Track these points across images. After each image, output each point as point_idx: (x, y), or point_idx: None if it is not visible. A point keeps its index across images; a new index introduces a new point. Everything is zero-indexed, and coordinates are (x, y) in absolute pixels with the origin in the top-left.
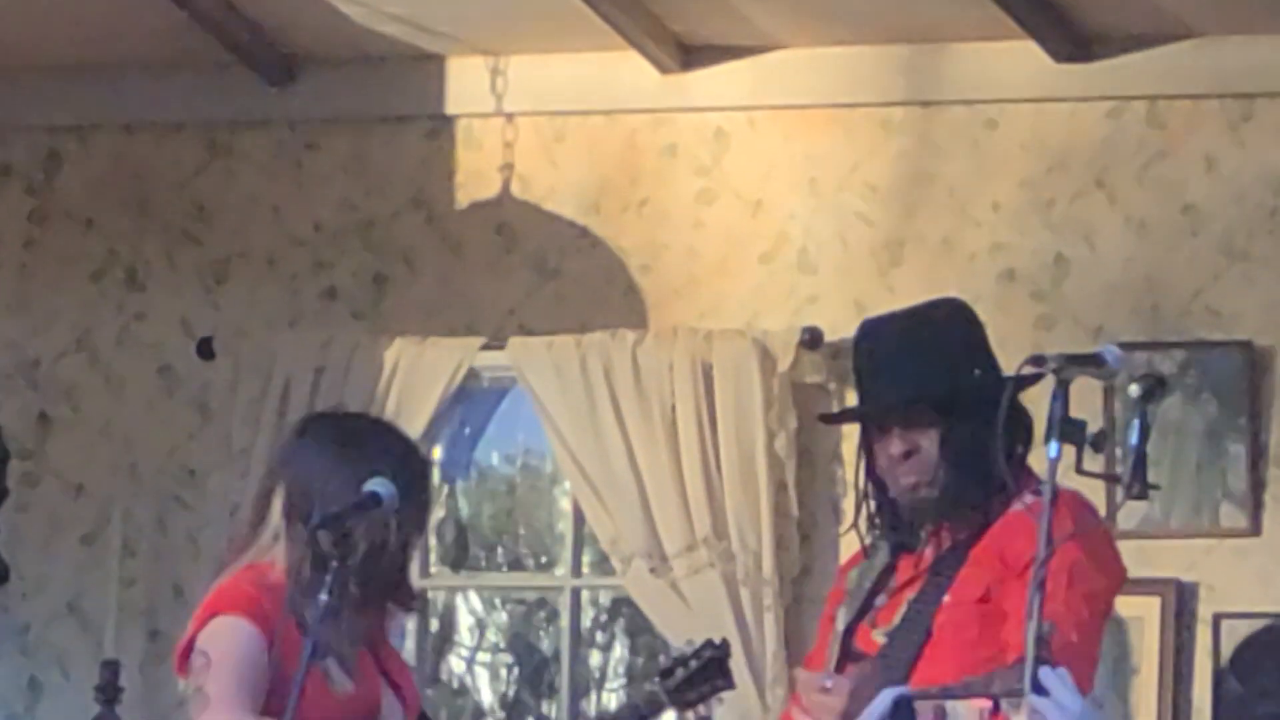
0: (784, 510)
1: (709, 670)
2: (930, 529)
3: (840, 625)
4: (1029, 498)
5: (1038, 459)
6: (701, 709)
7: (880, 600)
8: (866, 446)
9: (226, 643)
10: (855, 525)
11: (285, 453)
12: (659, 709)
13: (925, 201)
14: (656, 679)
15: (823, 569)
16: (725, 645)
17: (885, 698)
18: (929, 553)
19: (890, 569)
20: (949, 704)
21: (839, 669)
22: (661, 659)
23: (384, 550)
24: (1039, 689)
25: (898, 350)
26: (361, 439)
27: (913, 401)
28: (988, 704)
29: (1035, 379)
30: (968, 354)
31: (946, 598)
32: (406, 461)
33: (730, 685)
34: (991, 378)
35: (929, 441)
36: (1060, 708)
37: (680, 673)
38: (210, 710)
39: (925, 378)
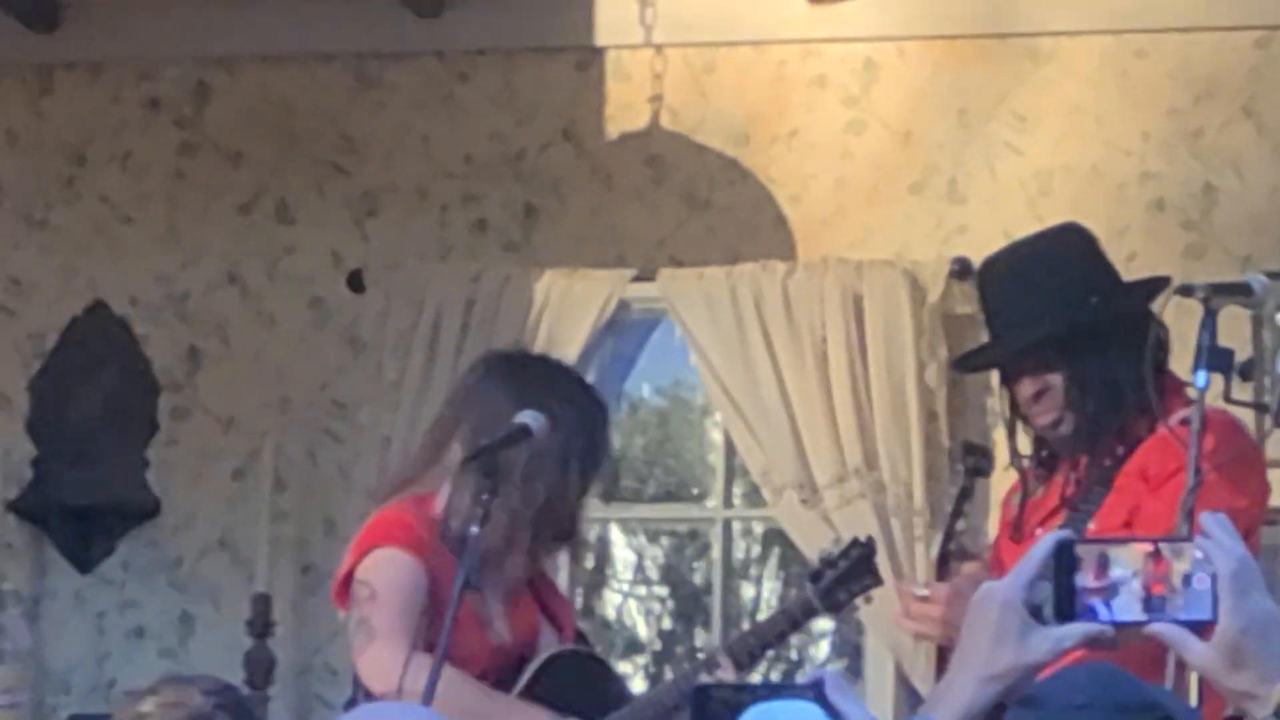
0: (935, 441)
1: (857, 569)
2: (1069, 460)
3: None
4: (1180, 413)
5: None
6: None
7: (961, 525)
8: (1006, 384)
9: (389, 575)
10: (1013, 459)
11: (464, 391)
12: (812, 613)
13: (1073, 131)
14: (806, 583)
15: (974, 499)
16: (871, 543)
17: (1047, 541)
18: (1070, 485)
19: (965, 493)
20: (1111, 550)
21: None
22: (814, 563)
23: (539, 484)
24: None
25: (1011, 290)
26: (542, 380)
27: (1030, 346)
28: (1149, 548)
29: (1158, 290)
30: (1081, 283)
31: (1091, 524)
32: (584, 405)
33: (879, 582)
34: (1109, 300)
35: (1057, 380)
36: (1223, 549)
37: (829, 574)
38: (376, 643)
39: (1038, 318)
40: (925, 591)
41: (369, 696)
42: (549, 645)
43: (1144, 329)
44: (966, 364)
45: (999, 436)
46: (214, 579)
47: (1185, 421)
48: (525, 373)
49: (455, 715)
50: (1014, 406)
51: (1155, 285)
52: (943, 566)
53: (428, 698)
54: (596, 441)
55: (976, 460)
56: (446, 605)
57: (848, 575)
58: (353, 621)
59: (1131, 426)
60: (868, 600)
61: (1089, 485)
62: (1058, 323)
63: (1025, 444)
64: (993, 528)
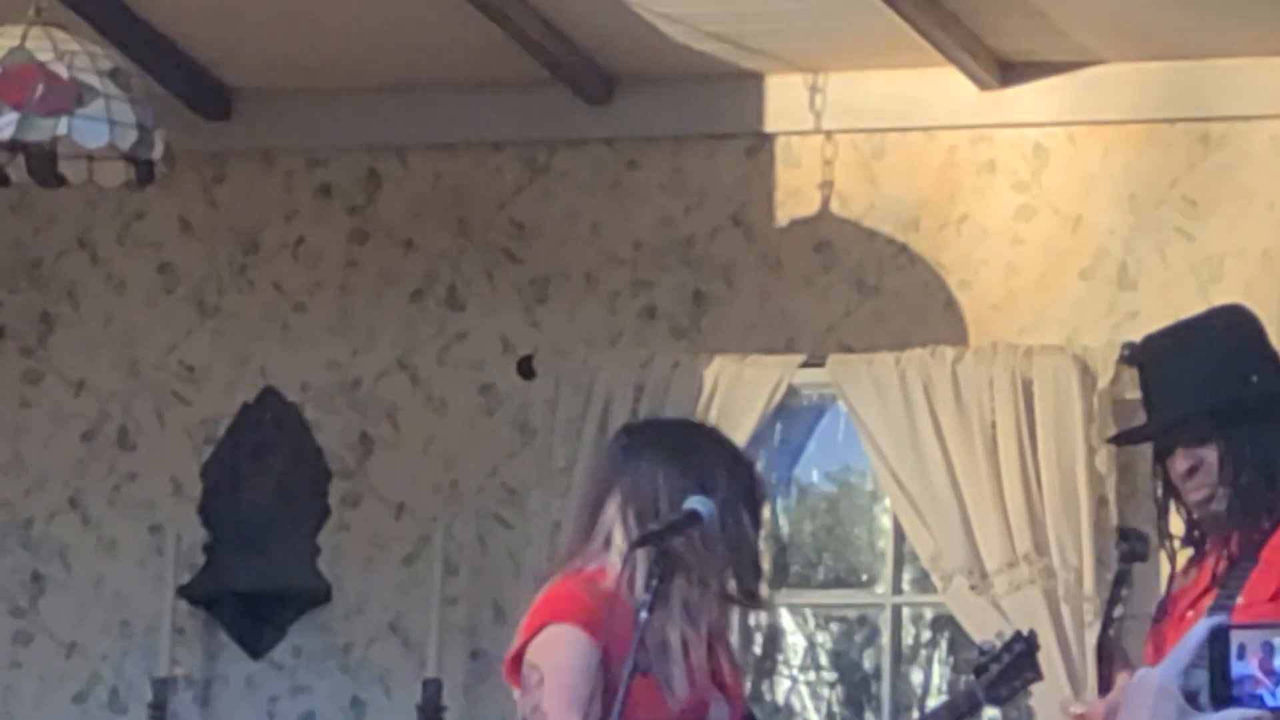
0: (1104, 526)
1: (1020, 664)
2: (1220, 538)
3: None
4: None
5: None
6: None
7: (1118, 611)
8: (1160, 462)
9: (559, 655)
10: (1161, 542)
11: (615, 460)
12: (977, 706)
13: (1245, 216)
14: (971, 677)
15: (1144, 585)
16: (1033, 637)
17: (1202, 627)
18: (1222, 562)
19: (1121, 578)
20: (1276, 638)
21: None
22: (975, 655)
23: (711, 564)
24: None
25: (1170, 366)
26: (692, 447)
27: (1186, 418)
28: None
29: None
30: (1241, 361)
31: (1239, 600)
32: (736, 468)
33: (1039, 677)
34: (1269, 381)
35: (1211, 454)
36: None
37: (994, 668)
38: None
39: (1197, 392)
40: (1082, 708)
41: None
42: (719, 714)
43: None
44: (1123, 439)
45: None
46: (385, 664)
47: None
48: (675, 441)
49: None
50: (1167, 484)
51: None
52: (1102, 654)
53: None
54: (755, 500)
55: (1132, 545)
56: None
57: (1010, 670)
58: (525, 706)
59: (1275, 501)
60: (1028, 695)
61: (1237, 561)
62: (1215, 397)
63: (1178, 524)
64: None
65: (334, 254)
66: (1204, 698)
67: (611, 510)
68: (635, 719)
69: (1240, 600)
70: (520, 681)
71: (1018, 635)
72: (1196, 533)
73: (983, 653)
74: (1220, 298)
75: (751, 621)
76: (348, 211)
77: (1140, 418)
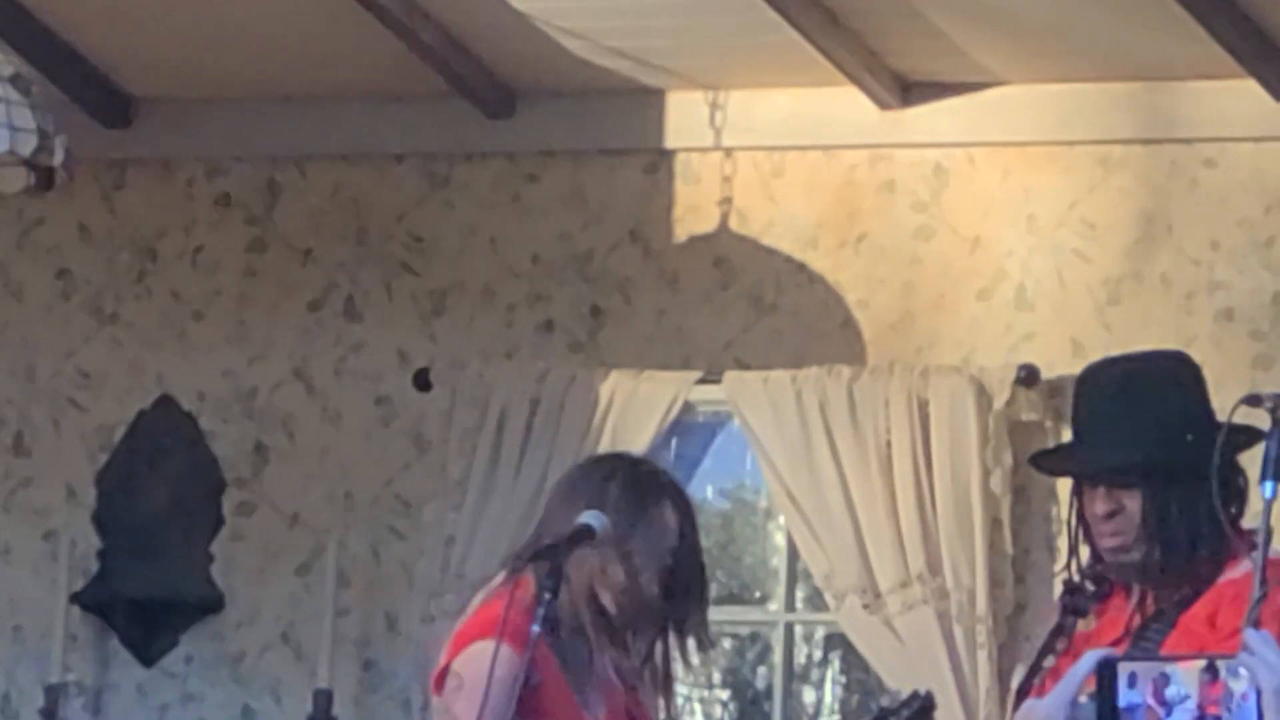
0: (999, 547)
1: None
2: (1137, 592)
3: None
4: (1245, 564)
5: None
6: None
7: (1049, 662)
8: (1078, 495)
9: (478, 666)
10: (1068, 568)
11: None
12: None
13: (1144, 240)
14: None
15: (1037, 607)
16: (930, 696)
17: (1090, 658)
18: (1136, 617)
19: (1060, 630)
20: (1170, 669)
21: None
22: (875, 706)
23: (605, 581)
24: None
25: (1112, 407)
26: (601, 470)
27: (1118, 465)
28: (1204, 670)
29: (1251, 441)
30: (1182, 417)
31: None
32: (642, 482)
33: None
34: (1205, 442)
35: (1134, 503)
36: (1267, 664)
37: None
38: None
39: (1134, 441)
40: None
41: None
42: None
43: (1230, 477)
44: (1045, 465)
45: (1063, 544)
46: (276, 674)
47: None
48: (595, 469)
49: None
50: (1081, 517)
51: (1251, 435)
52: (1020, 700)
53: None
54: (654, 523)
55: (1076, 599)
56: (548, 690)
57: None
58: (438, 709)
59: (1197, 569)
60: None
61: (1152, 618)
62: (1150, 448)
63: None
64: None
65: (232, 263)
66: None
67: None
68: None
69: None
70: (441, 690)
71: (915, 694)
72: (1099, 571)
73: (882, 708)
74: (1117, 321)
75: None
76: (247, 221)
77: (1039, 441)
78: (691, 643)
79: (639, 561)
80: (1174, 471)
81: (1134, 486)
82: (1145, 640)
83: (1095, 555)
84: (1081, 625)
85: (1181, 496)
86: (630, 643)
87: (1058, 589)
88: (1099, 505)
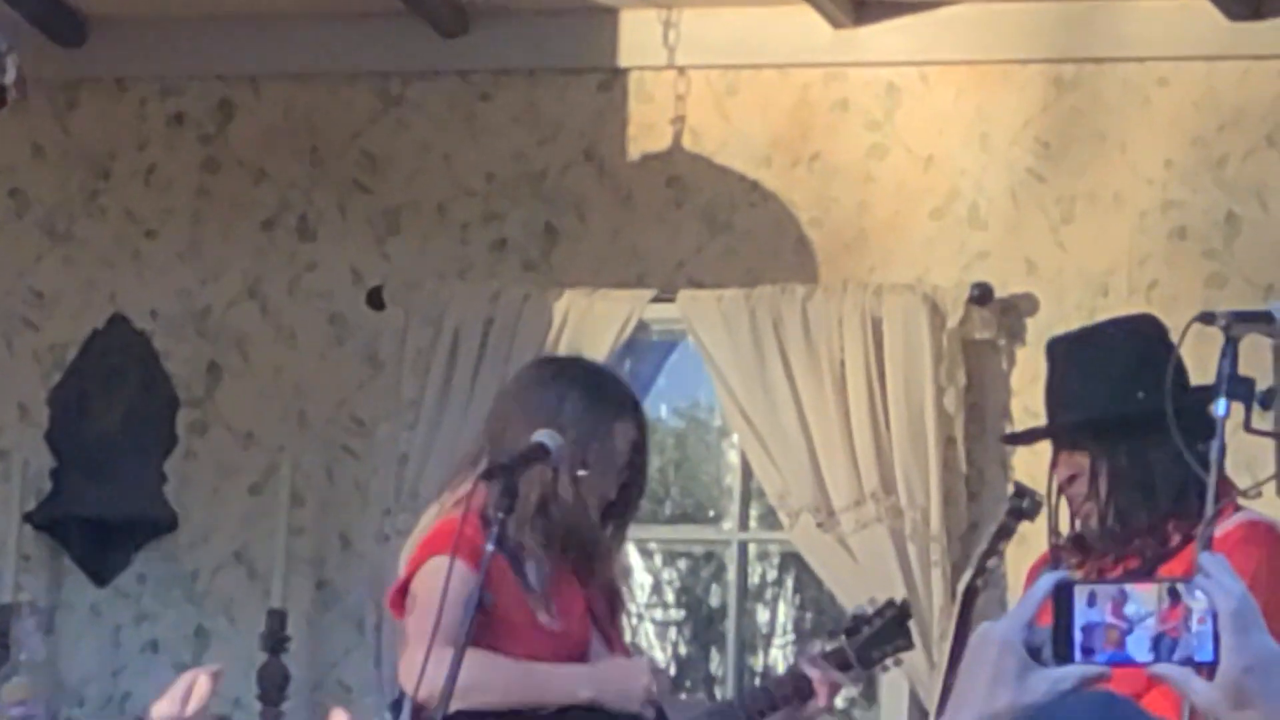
0: (952, 466)
1: (891, 629)
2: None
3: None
4: (1234, 519)
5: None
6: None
7: (993, 563)
8: (1053, 466)
9: (433, 582)
10: (1050, 534)
11: (512, 396)
12: (846, 666)
13: (1097, 158)
14: (843, 637)
15: (1000, 560)
16: (906, 605)
17: (1046, 581)
18: (1113, 573)
19: (1004, 531)
20: (1129, 588)
21: None
22: (847, 618)
23: (556, 502)
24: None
25: (1066, 373)
26: (559, 378)
27: (1070, 427)
28: (1165, 590)
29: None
30: (1135, 376)
31: None
32: (602, 394)
33: (910, 645)
34: (1158, 397)
35: (1086, 462)
36: (1223, 587)
37: (865, 630)
38: (408, 647)
39: (1084, 403)
40: None
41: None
42: (598, 657)
43: (1197, 431)
44: (1014, 439)
45: (1017, 462)
46: (230, 594)
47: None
48: (552, 375)
49: (499, 694)
50: (1057, 485)
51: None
52: (968, 599)
53: (448, 689)
54: (611, 436)
55: (1023, 503)
56: (504, 606)
57: (882, 634)
58: (400, 632)
59: (1165, 529)
60: (898, 663)
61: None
62: (1099, 409)
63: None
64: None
65: (186, 182)
66: (1047, 652)
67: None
68: (511, 638)
69: None
70: (402, 610)
71: (890, 602)
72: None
73: (855, 616)
74: (1071, 239)
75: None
76: (200, 140)
77: (992, 359)
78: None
79: (590, 480)
80: (1125, 430)
81: (1083, 447)
82: None
83: (1072, 523)
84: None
85: (1133, 453)
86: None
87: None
88: (1062, 471)
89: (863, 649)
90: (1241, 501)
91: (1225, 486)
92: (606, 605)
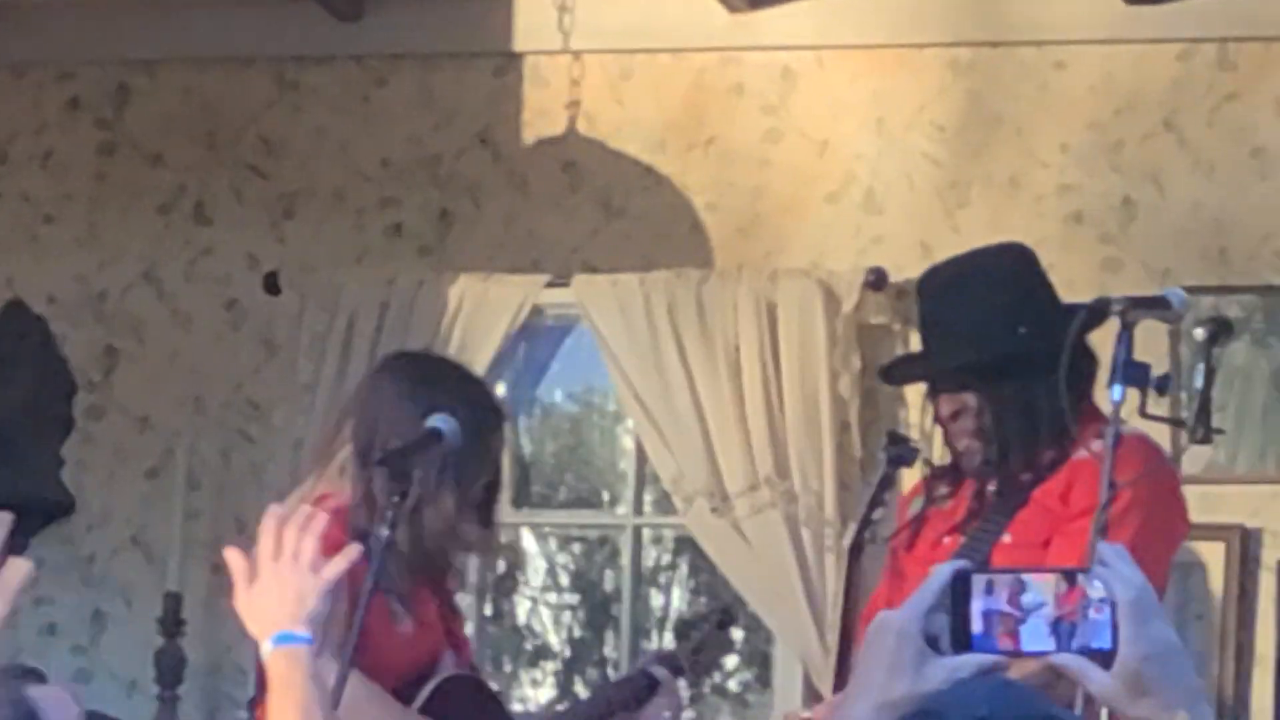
0: (847, 451)
1: (716, 637)
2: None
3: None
4: (1095, 444)
5: (1103, 401)
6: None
7: (878, 514)
8: (931, 398)
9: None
10: (927, 463)
11: (360, 388)
12: (679, 671)
13: (992, 142)
14: (675, 644)
15: (885, 510)
16: (729, 610)
17: (945, 570)
18: (989, 490)
19: (886, 481)
20: (1026, 577)
21: (892, 596)
22: (677, 627)
23: (441, 491)
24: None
25: (943, 310)
26: (436, 379)
27: (952, 367)
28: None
29: (1097, 322)
30: (1013, 311)
31: (1005, 537)
32: (479, 405)
33: (730, 650)
34: (1039, 333)
35: (973, 402)
36: (1122, 578)
37: (694, 635)
38: None
39: (965, 342)
40: (808, 714)
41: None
42: (447, 667)
43: (1077, 359)
44: (892, 375)
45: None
46: (126, 577)
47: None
48: (419, 371)
49: None
50: (936, 419)
51: (1094, 314)
52: (855, 554)
53: (336, 696)
54: (491, 444)
55: (900, 450)
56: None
57: (708, 642)
58: None
59: (1042, 454)
60: (719, 669)
61: (1004, 497)
62: (982, 349)
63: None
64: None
65: (82, 167)
66: (945, 641)
67: (346, 434)
68: (368, 642)
69: (1007, 538)
70: None
71: (715, 608)
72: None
73: (684, 621)
74: (966, 224)
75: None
76: (96, 124)
77: (888, 345)
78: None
79: (465, 489)
80: (1009, 367)
81: (972, 386)
82: (998, 514)
83: (954, 455)
84: (938, 505)
85: (1018, 389)
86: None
87: (904, 492)
88: (944, 407)
89: (693, 654)
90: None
91: (1095, 412)
92: (452, 610)
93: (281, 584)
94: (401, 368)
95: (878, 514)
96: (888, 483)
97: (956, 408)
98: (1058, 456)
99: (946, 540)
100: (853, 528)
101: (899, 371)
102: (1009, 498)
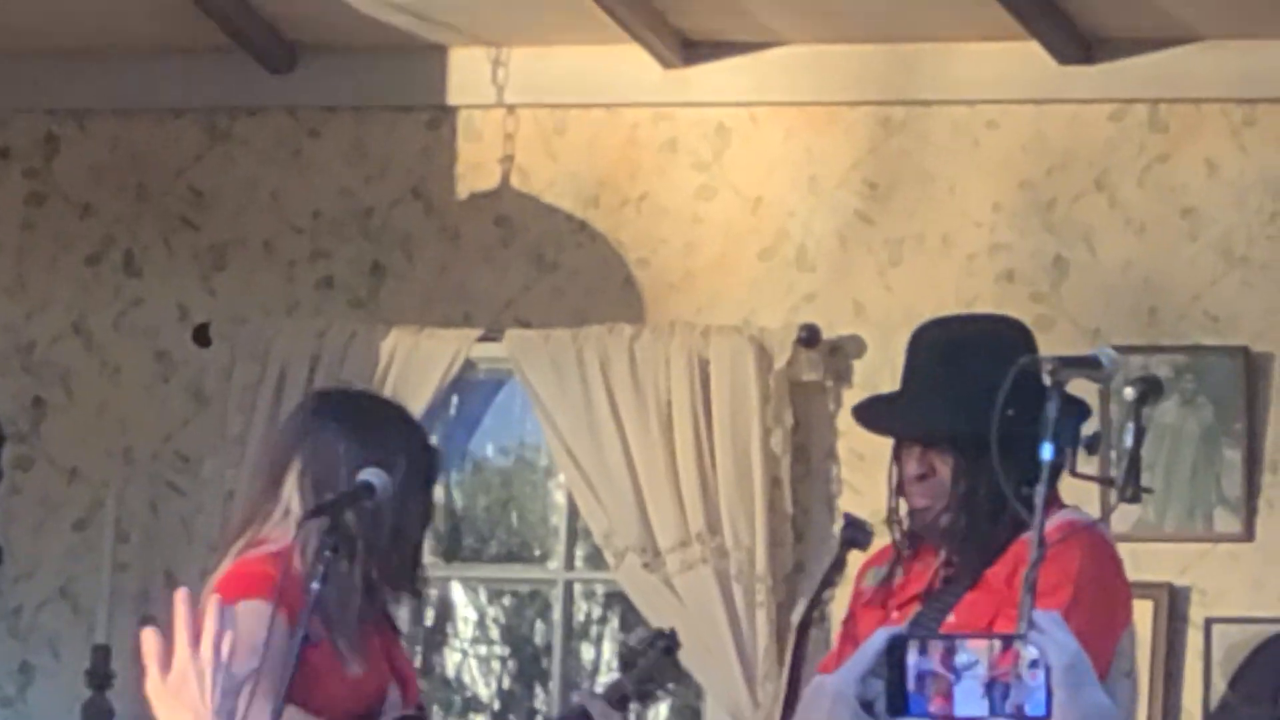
0: (778, 507)
1: (662, 662)
2: (944, 551)
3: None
4: (1054, 517)
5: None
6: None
7: (828, 595)
8: (896, 452)
9: (250, 628)
10: (888, 523)
11: (298, 428)
12: (625, 701)
13: (925, 200)
14: (621, 673)
15: (816, 566)
16: (674, 635)
17: (881, 636)
18: (939, 574)
19: (838, 563)
20: (959, 641)
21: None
22: (622, 650)
23: (380, 539)
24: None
25: (935, 369)
26: (378, 421)
27: (933, 429)
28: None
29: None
30: (1008, 391)
31: (950, 618)
32: (417, 450)
33: (680, 677)
34: (1023, 418)
35: (945, 468)
36: (1057, 643)
37: (640, 663)
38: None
39: (952, 407)
40: None
41: None
42: (394, 706)
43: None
44: (867, 420)
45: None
46: (54, 629)
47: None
48: (360, 414)
49: None
50: (900, 473)
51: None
52: (803, 632)
53: None
54: (429, 487)
55: (854, 533)
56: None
57: (654, 668)
58: None
59: (1000, 536)
60: (670, 694)
61: (954, 578)
62: (971, 420)
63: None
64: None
65: (10, 217)
66: (880, 706)
67: (291, 479)
68: (317, 687)
69: (952, 619)
70: None
71: (659, 633)
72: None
73: (627, 648)
74: (898, 282)
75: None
76: (25, 174)
77: (819, 402)
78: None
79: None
80: (987, 443)
81: (947, 452)
82: (947, 595)
83: (910, 513)
84: (885, 574)
85: (991, 468)
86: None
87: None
88: (912, 466)
89: (638, 683)
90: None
91: (1057, 497)
92: (395, 639)
93: (197, 676)
94: (342, 411)
95: (827, 594)
96: (840, 564)
97: (924, 470)
98: (1012, 534)
99: (895, 615)
100: (802, 605)
101: (875, 417)
102: (959, 579)
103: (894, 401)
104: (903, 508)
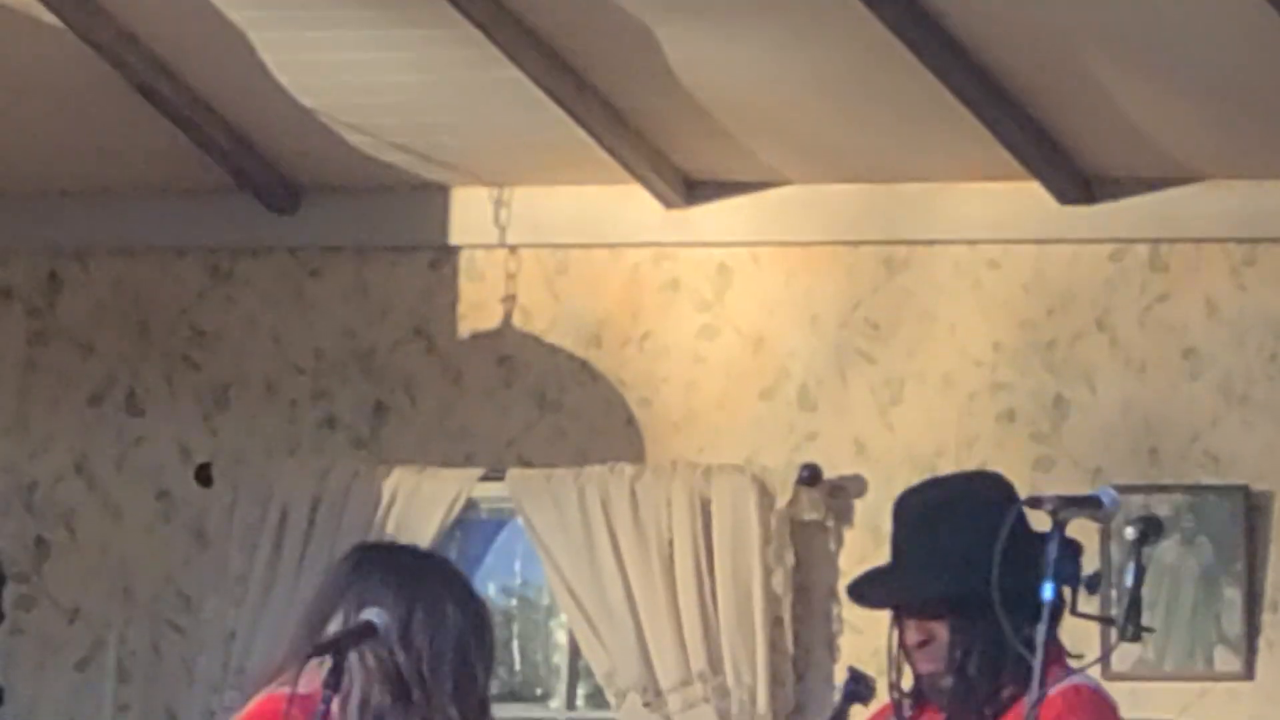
0: (779, 646)
1: None
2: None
3: None
4: (1058, 684)
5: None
6: None
7: None
8: (896, 621)
9: None
10: (891, 689)
11: (343, 580)
12: None
13: (926, 340)
14: None
15: (817, 706)
16: None
17: None
18: None
19: (840, 715)
20: None
21: None
22: None
23: (442, 694)
24: None
25: (920, 536)
26: (422, 574)
27: (926, 598)
28: None
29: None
30: (990, 550)
31: None
32: (465, 603)
33: None
34: (1014, 576)
35: (944, 633)
36: None
37: None
38: None
39: (942, 573)
40: None
41: None
42: None
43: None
44: (860, 596)
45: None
46: None
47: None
48: (405, 570)
49: None
50: (902, 642)
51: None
52: None
53: None
54: (479, 640)
55: (858, 687)
56: None
57: None
58: None
59: (1003, 689)
60: None
61: None
62: (960, 582)
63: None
64: None
65: (13, 356)
66: None
67: (334, 628)
68: None
69: None
70: None
71: None
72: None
73: None
74: (899, 421)
75: None
76: (27, 314)
77: (821, 541)
78: None
79: (420, 665)
80: (982, 602)
81: (944, 617)
82: None
83: (916, 677)
84: None
85: (990, 626)
86: None
87: (837, 688)
88: (911, 634)
89: None
90: (1070, 662)
91: (1060, 650)
92: None
93: None
94: (388, 566)
95: None
96: (841, 717)
97: (924, 637)
98: (1016, 692)
99: None
100: None
101: (867, 592)
102: None
103: (886, 574)
104: (903, 671)
